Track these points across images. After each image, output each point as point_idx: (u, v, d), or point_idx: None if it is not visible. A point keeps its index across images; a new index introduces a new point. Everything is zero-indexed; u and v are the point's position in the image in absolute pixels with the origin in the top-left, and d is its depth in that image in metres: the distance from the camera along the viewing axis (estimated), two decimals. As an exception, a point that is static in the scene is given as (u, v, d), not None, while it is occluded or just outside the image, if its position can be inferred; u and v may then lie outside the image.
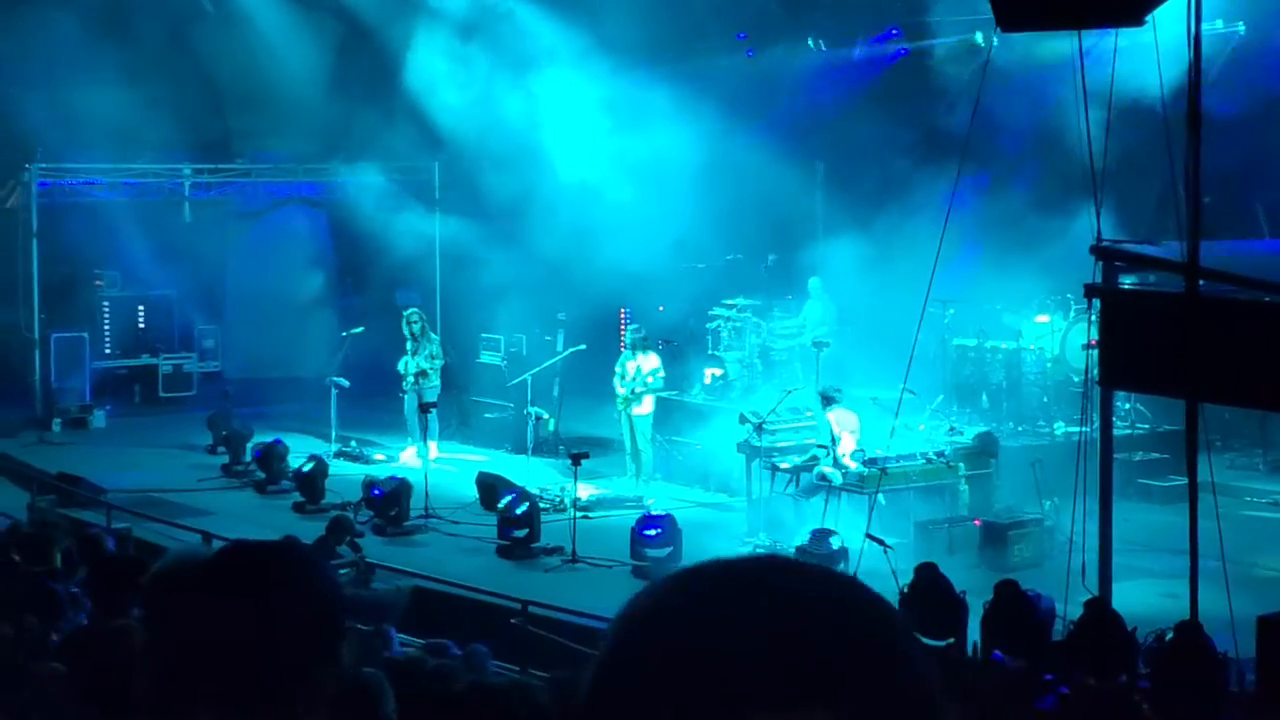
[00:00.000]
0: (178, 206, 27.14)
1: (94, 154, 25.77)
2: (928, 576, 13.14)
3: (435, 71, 23.97)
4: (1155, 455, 19.72)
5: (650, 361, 20.42)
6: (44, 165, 25.43)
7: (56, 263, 25.58)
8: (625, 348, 20.71)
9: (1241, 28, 20.60)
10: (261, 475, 20.76)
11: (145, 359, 26.61)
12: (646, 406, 20.43)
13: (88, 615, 8.34)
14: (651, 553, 16.63)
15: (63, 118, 24.39)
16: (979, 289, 21.12)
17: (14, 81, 23.79)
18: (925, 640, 12.33)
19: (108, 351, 26.35)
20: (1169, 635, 11.92)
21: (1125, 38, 13.73)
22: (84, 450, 22.91)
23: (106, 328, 26.46)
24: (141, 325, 26.84)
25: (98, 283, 26.54)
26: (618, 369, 20.61)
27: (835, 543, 15.95)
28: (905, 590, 13.07)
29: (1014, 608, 12.61)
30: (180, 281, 26.77)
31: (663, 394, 20.75)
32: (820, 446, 17.68)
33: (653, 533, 16.75)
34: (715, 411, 20.54)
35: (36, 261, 25.36)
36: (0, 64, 23.80)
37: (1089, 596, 12.65)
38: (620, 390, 20.52)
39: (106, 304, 26.54)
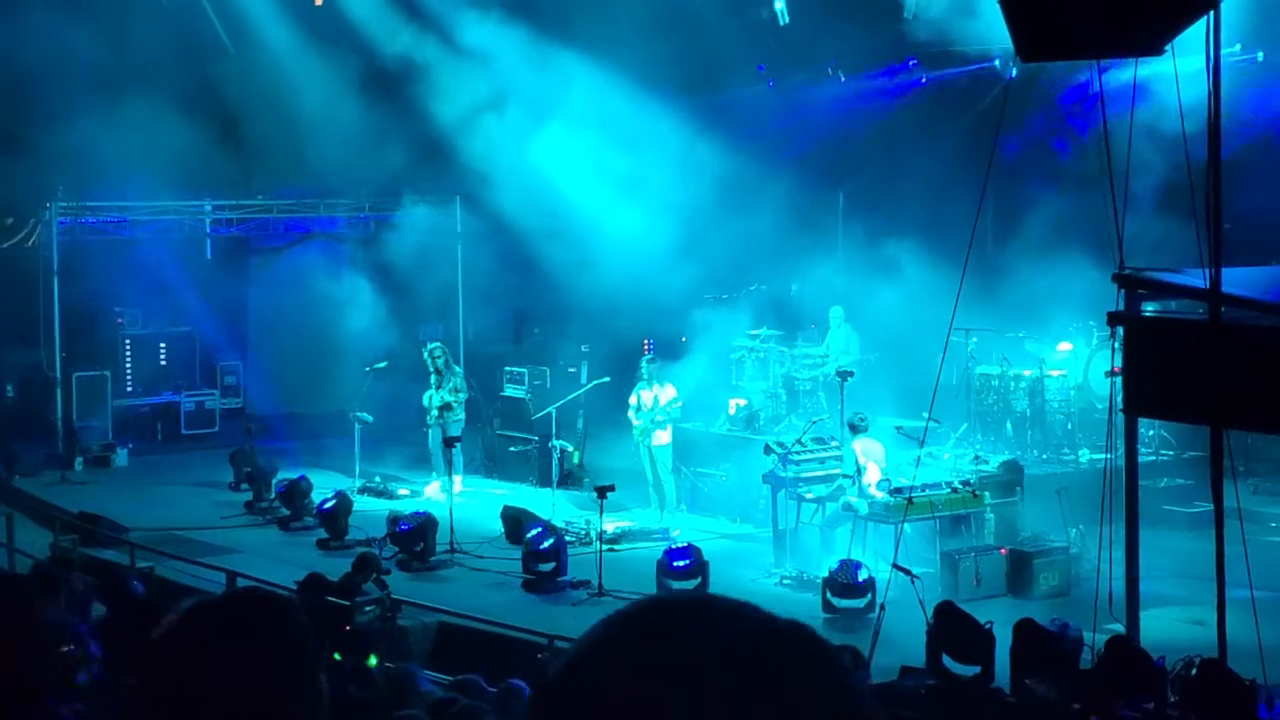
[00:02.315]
0: (199, 243, 27.23)
1: (115, 192, 25.87)
2: (946, 611, 13.15)
3: (457, 106, 24.05)
4: (1180, 481, 19.65)
5: (668, 392, 20.42)
6: (64, 204, 25.49)
7: (78, 301, 25.63)
8: (641, 379, 20.69)
9: (1260, 55, 20.61)
10: (285, 512, 20.77)
11: (167, 396, 26.65)
12: (665, 437, 20.42)
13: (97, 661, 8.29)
14: (678, 585, 16.62)
15: (84, 156, 24.48)
16: (1001, 317, 21.12)
17: (35, 120, 23.91)
18: (954, 666, 12.35)
19: (129, 389, 26.39)
20: (1197, 663, 11.89)
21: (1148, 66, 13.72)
22: (106, 489, 22.95)
23: (128, 365, 26.51)
24: (163, 362, 26.89)
25: (119, 320, 26.60)
26: (632, 401, 20.60)
27: (862, 574, 15.94)
28: (930, 625, 13.05)
29: (1037, 643, 12.59)
30: (202, 318, 26.83)
31: (685, 425, 20.74)
32: (846, 476, 17.66)
33: (680, 564, 16.75)
34: (740, 442, 20.52)
35: (58, 300, 25.41)
36: (22, 102, 23.92)
37: (1112, 634, 12.60)
38: (636, 422, 20.52)
39: (128, 342, 26.61)
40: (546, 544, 17.65)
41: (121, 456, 25.16)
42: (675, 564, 16.78)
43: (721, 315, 22.48)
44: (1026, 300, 21.60)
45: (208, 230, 27.36)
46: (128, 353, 26.59)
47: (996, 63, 21.80)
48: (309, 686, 2.68)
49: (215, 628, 2.69)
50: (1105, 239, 13.62)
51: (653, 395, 20.41)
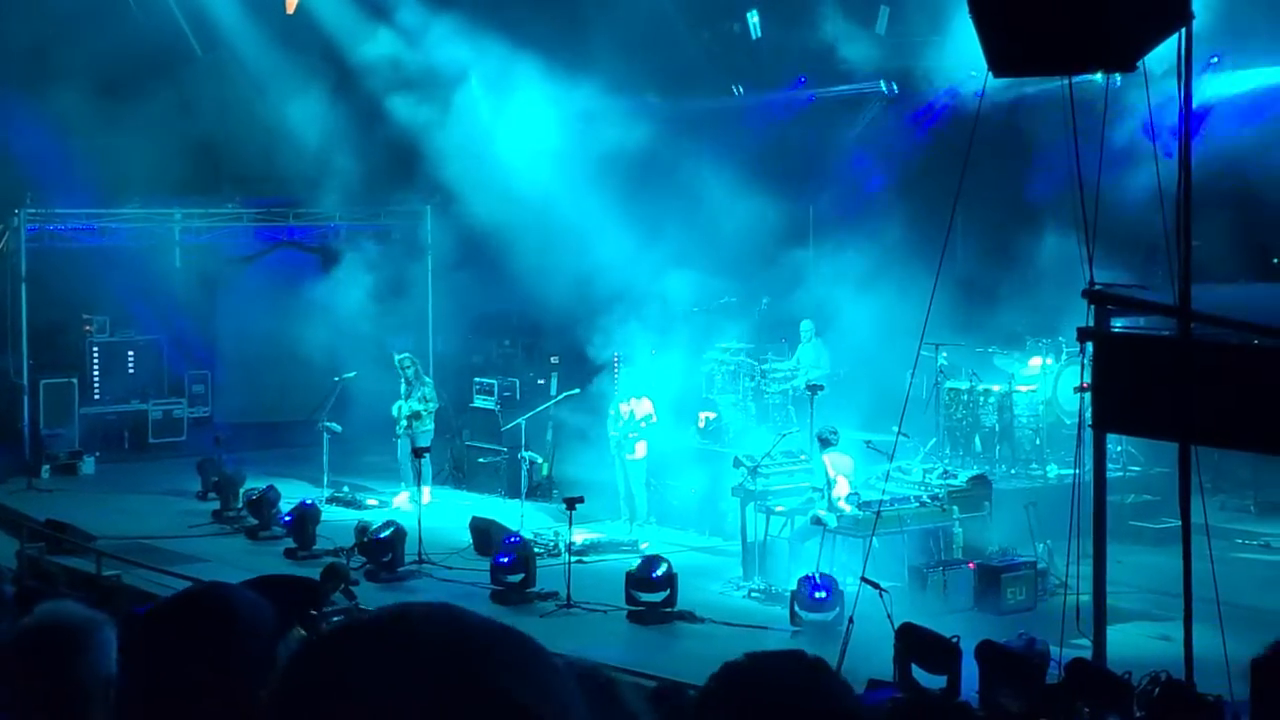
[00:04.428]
0: (168, 251, 27.11)
1: (83, 198, 25.78)
2: (907, 631, 13.19)
3: (428, 117, 24.01)
4: (1147, 497, 19.73)
5: (644, 406, 20.43)
6: (33, 210, 25.39)
7: (46, 308, 25.51)
8: (618, 391, 20.71)
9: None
10: (253, 521, 20.70)
11: (135, 404, 26.53)
12: (641, 451, 20.43)
13: None
14: (647, 597, 16.61)
15: (52, 162, 24.40)
16: (971, 333, 21.18)
17: (3, 126, 23.80)
18: (922, 677, 12.37)
19: (97, 397, 26.26)
20: (1163, 679, 11.92)
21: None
22: (73, 497, 22.83)
23: (96, 373, 26.38)
24: (131, 370, 26.75)
25: (87, 328, 26.48)
26: (611, 410, 20.61)
27: (831, 587, 15.95)
28: (896, 644, 13.09)
29: (1000, 660, 12.62)
30: (170, 326, 26.74)
31: (655, 437, 20.73)
32: (815, 490, 17.67)
33: (649, 577, 16.72)
34: (710, 455, 20.53)
35: (25, 306, 25.29)
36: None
37: (1073, 657, 12.62)
38: (614, 434, 20.53)
39: (96, 349, 26.47)
40: (515, 555, 17.62)
41: (89, 464, 25.05)
42: (640, 576, 16.77)
43: (692, 328, 22.48)
44: (997, 316, 21.68)
45: (177, 238, 27.25)
46: (95, 360, 26.46)
47: (970, 79, 21.85)
48: (266, 671, 2.68)
49: (168, 623, 2.74)
50: (1076, 254, 13.65)
51: (629, 408, 20.42)
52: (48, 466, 24.59)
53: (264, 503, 20.63)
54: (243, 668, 2.68)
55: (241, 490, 21.39)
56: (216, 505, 21.66)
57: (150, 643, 2.73)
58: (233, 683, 2.66)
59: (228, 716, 2.66)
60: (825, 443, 17.65)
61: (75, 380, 25.74)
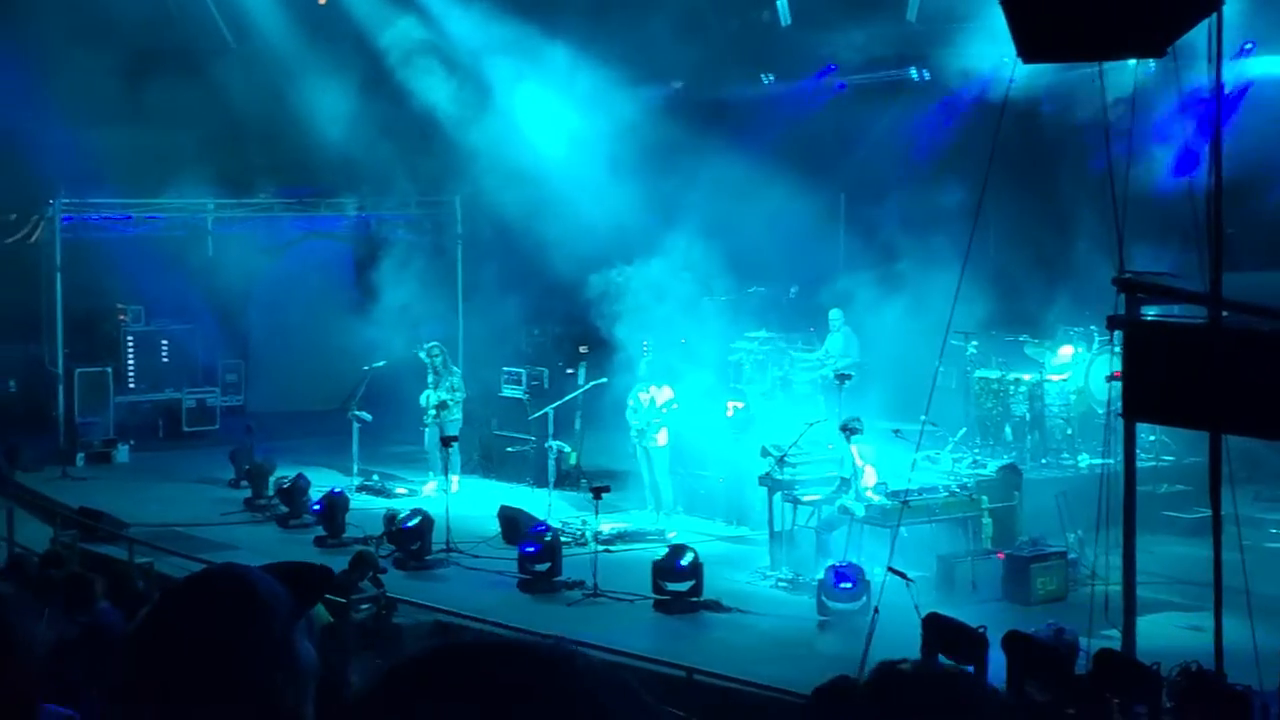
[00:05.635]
0: (201, 241, 27.20)
1: (117, 188, 25.89)
2: (933, 621, 13.14)
3: (459, 106, 24.02)
4: (1180, 487, 19.57)
5: (664, 393, 20.37)
6: (68, 200, 25.53)
7: (80, 297, 25.64)
8: (639, 379, 20.65)
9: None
10: (284, 509, 20.77)
11: (169, 393, 26.63)
12: (663, 439, 20.38)
13: None
14: (673, 587, 16.59)
15: (86, 152, 24.50)
16: (1001, 321, 21.08)
17: (39, 117, 23.89)
18: (948, 662, 12.31)
19: (131, 386, 26.38)
20: (1193, 669, 11.86)
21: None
22: (107, 485, 22.94)
23: (130, 362, 26.49)
24: (165, 360, 26.86)
25: (121, 317, 26.60)
26: (630, 400, 20.57)
27: (857, 576, 15.89)
28: (922, 634, 13.03)
29: (1028, 651, 12.56)
30: (203, 316, 26.81)
31: (682, 426, 20.68)
32: (843, 479, 17.61)
33: (676, 566, 16.70)
34: (737, 444, 20.47)
35: (60, 296, 25.43)
36: (24, 99, 23.90)
37: (1101, 648, 12.55)
38: (634, 422, 20.50)
39: (130, 338, 26.59)
40: (542, 544, 17.63)
41: (122, 453, 25.16)
42: (668, 566, 16.74)
43: (720, 317, 22.42)
44: (1027, 304, 21.57)
45: (210, 228, 27.33)
46: (130, 349, 26.58)
47: (1000, 65, 21.73)
48: (283, 653, 2.69)
49: (183, 603, 2.76)
50: (1108, 242, 13.57)
51: (649, 396, 20.37)
52: (82, 455, 24.71)
53: (294, 491, 20.70)
54: (259, 645, 2.69)
55: (272, 478, 21.46)
56: (248, 493, 21.73)
57: (167, 619, 2.74)
58: (249, 660, 2.67)
59: (244, 694, 2.66)
60: (851, 432, 17.58)
61: (110, 369, 25.84)
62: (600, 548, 17.93)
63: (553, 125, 23.88)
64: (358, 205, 27.42)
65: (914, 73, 24.16)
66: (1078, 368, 20.91)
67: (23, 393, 25.94)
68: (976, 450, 20.14)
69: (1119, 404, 13.52)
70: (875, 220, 23.21)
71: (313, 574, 2.96)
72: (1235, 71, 17.89)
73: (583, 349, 23.21)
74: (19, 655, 3.14)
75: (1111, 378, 15.51)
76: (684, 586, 16.57)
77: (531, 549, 17.65)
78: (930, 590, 15.71)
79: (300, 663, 2.72)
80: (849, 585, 15.81)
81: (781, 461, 18.05)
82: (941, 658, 12.79)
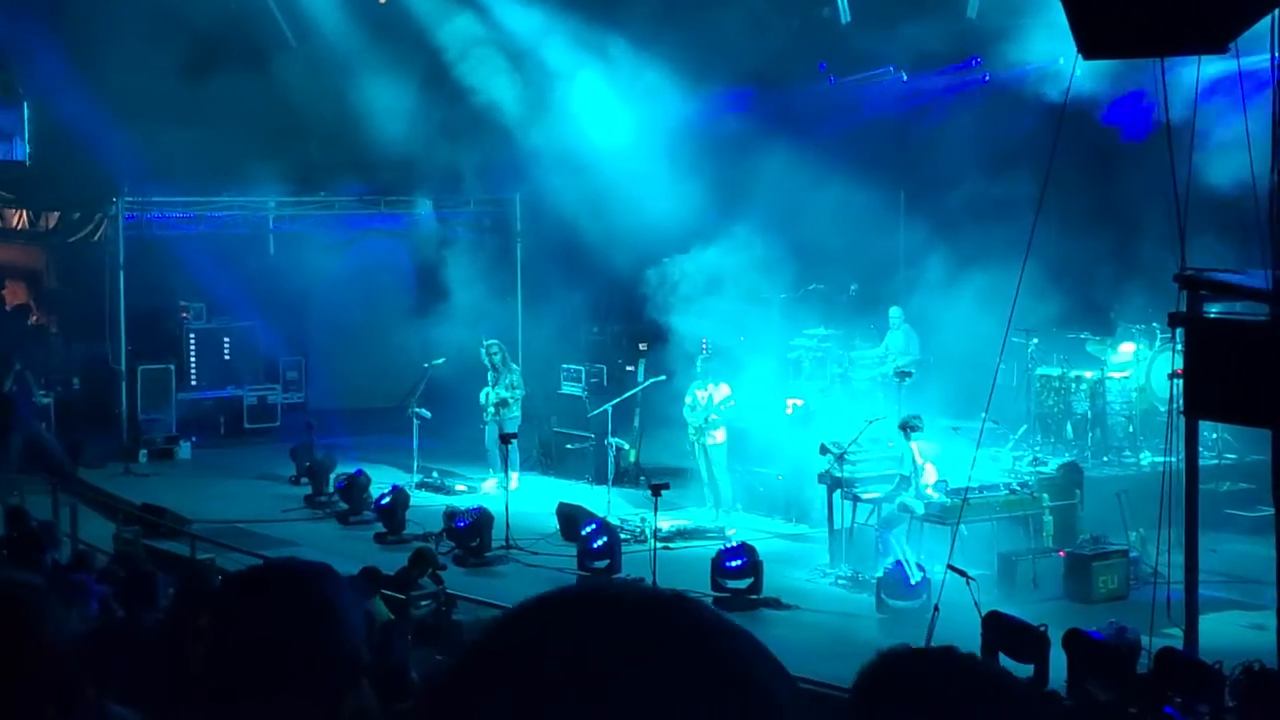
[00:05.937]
0: (262, 239, 27.39)
1: (180, 187, 26.11)
2: (994, 620, 13.08)
3: (518, 105, 24.08)
4: (1242, 485, 19.43)
5: (721, 391, 20.35)
6: (130, 199, 25.76)
7: (143, 295, 25.87)
8: (697, 377, 20.65)
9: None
10: (344, 506, 20.89)
11: (230, 390, 26.84)
12: (720, 436, 20.36)
13: None
14: (732, 584, 16.58)
15: (149, 151, 24.72)
16: (1063, 318, 20.96)
17: (101, 115, 24.11)
18: (1010, 663, 12.26)
19: (193, 383, 26.60)
20: (1256, 668, 11.76)
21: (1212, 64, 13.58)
22: (169, 481, 23.14)
23: (192, 360, 26.72)
24: (227, 357, 27.08)
25: (184, 315, 26.83)
26: (688, 398, 20.57)
27: (917, 575, 15.85)
28: (983, 633, 12.98)
29: (1089, 650, 12.49)
30: (264, 313, 26.99)
31: (741, 424, 20.67)
32: (903, 477, 17.55)
33: (734, 564, 16.69)
34: (796, 442, 20.44)
35: (123, 294, 25.67)
36: (87, 100, 24.14)
37: (1163, 646, 12.47)
38: (691, 420, 20.49)
39: (192, 336, 26.82)
40: (601, 541, 17.65)
41: (185, 449, 25.39)
42: (727, 563, 16.73)
43: (780, 315, 22.39)
44: (1090, 300, 21.44)
45: (271, 226, 27.52)
46: (192, 347, 26.81)
47: (1060, 60, 21.60)
48: (329, 648, 2.75)
49: (240, 589, 2.90)
50: (1171, 238, 13.46)
51: (707, 394, 20.37)
52: (145, 451, 24.94)
53: (355, 488, 20.82)
54: (313, 642, 2.75)
55: (333, 475, 21.58)
56: (309, 490, 21.87)
57: (223, 616, 2.82)
58: (310, 644, 2.74)
59: (297, 689, 2.72)
60: (911, 430, 17.52)
61: (172, 366, 26.08)
62: (659, 545, 17.94)
63: (613, 122, 23.89)
64: (418, 203, 27.53)
65: (975, 69, 24.05)
66: (1139, 365, 20.77)
67: (86, 390, 26.18)
68: (1037, 448, 20.04)
69: (1180, 401, 13.42)
70: (935, 217, 23.10)
71: (363, 575, 3.08)
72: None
73: (642, 346, 23.25)
74: (45, 646, 3.19)
75: (1173, 375, 15.40)
76: (743, 584, 16.56)
77: (591, 545, 17.61)
78: (991, 588, 15.63)
79: (342, 661, 2.76)
80: (910, 583, 15.76)
81: (841, 459, 18.01)
82: (1002, 657, 12.74)
